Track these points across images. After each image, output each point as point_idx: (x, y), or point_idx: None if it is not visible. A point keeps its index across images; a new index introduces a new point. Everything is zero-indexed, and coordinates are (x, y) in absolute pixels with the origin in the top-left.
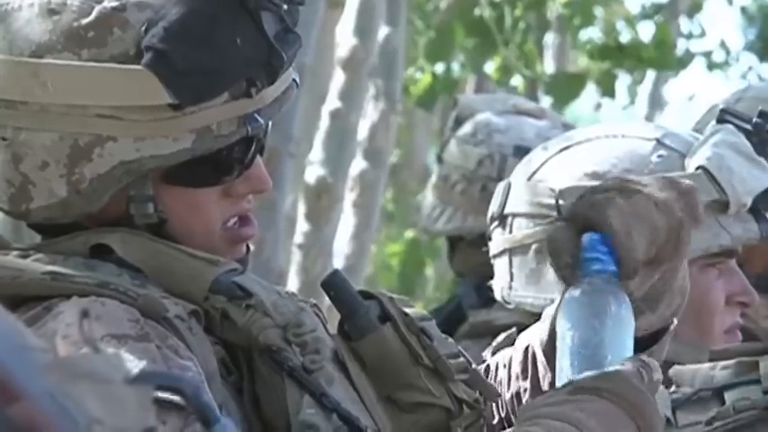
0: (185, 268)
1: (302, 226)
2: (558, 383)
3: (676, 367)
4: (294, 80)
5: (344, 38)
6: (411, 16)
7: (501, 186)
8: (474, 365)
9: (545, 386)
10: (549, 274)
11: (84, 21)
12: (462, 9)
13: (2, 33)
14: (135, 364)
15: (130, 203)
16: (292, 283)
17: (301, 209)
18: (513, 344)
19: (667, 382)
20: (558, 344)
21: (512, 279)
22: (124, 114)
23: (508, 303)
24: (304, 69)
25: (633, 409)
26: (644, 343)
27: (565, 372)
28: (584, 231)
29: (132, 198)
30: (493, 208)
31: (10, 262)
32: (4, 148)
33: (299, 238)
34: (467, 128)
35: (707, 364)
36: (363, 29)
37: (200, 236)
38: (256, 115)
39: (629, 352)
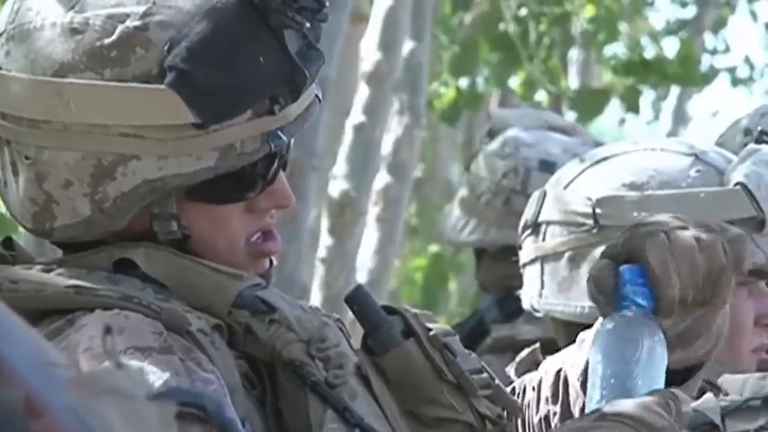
0: (209, 282)
1: (325, 240)
2: (589, 404)
3: (726, 376)
4: (317, 95)
5: (369, 52)
6: (435, 31)
7: (535, 195)
8: (497, 381)
9: (576, 411)
10: (581, 282)
11: (107, 40)
12: (487, 24)
13: (24, 53)
14: (158, 377)
15: (154, 221)
16: (315, 298)
17: (324, 223)
18: (536, 359)
19: (716, 391)
20: (590, 374)
21: (542, 287)
22: (147, 133)
23: (537, 311)
24: (328, 83)
25: None
26: (678, 375)
27: (594, 401)
28: (626, 264)
29: (156, 216)
30: (526, 216)
31: (33, 276)
32: (27, 167)
33: (322, 252)
34: (496, 141)
35: (757, 374)
36: (388, 43)
37: (224, 251)
38: (279, 132)
39: (660, 385)
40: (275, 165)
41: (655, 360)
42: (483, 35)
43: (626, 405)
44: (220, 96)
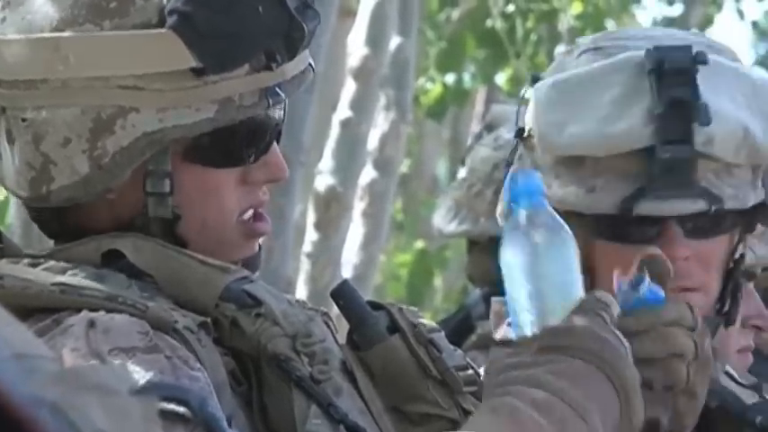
0: (196, 275)
1: (311, 235)
2: (516, 337)
3: None
4: (311, 64)
5: (356, 47)
6: (423, 26)
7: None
8: (483, 377)
9: None
10: None
11: None
12: (474, 20)
13: (21, 14)
14: (142, 375)
15: (147, 179)
16: (300, 293)
17: (310, 218)
18: None
19: None
20: (508, 302)
21: None
22: (147, 84)
23: None
24: (315, 78)
25: (606, 365)
26: None
27: (521, 326)
28: None
29: (150, 173)
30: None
31: (20, 271)
32: (24, 129)
33: (307, 247)
34: (492, 134)
35: None
36: (375, 38)
37: (215, 227)
38: (277, 89)
39: (579, 290)
40: (271, 132)
41: (566, 265)
42: (470, 31)
43: (565, 333)
44: (220, 41)
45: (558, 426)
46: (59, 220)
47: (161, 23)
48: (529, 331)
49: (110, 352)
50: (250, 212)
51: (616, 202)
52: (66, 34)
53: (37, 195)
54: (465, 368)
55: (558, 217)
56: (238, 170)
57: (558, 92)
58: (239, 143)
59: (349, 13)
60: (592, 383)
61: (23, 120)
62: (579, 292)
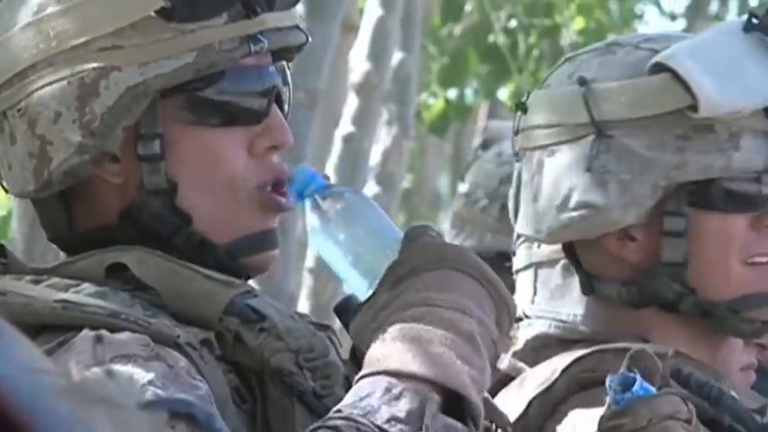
0: (200, 289)
1: (313, 250)
2: (363, 297)
3: None
4: (299, 27)
5: (358, 63)
6: (425, 42)
7: None
8: (485, 393)
9: None
10: (575, 290)
11: None
12: (476, 35)
13: (9, 14)
14: (143, 376)
15: (137, 143)
16: (303, 307)
17: None
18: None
19: None
20: (346, 284)
21: (535, 293)
22: (125, 42)
23: (528, 318)
24: (318, 94)
25: (456, 263)
26: None
27: (365, 292)
28: None
29: (141, 137)
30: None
31: (22, 287)
32: (20, 119)
33: (309, 262)
34: (493, 150)
35: None
36: (377, 54)
37: (223, 196)
38: (259, 36)
39: (395, 230)
40: (268, 96)
41: (367, 215)
42: (472, 46)
43: (405, 260)
44: None
45: (448, 327)
46: (68, 219)
47: None
48: (371, 289)
49: (112, 359)
50: (269, 187)
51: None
52: (45, 13)
53: (41, 183)
54: None
55: (337, 187)
56: (240, 136)
57: (701, 60)
58: (235, 109)
59: (351, 29)
60: (455, 284)
61: (19, 110)
62: (396, 232)
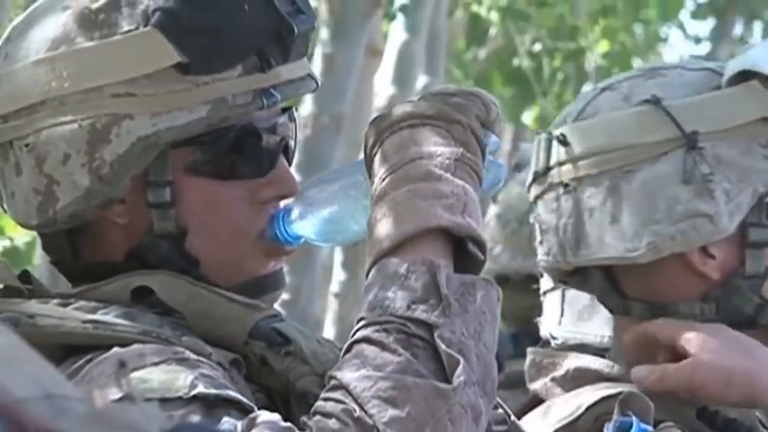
0: (225, 312)
1: (338, 274)
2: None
3: None
4: (312, 75)
5: (383, 86)
6: (450, 65)
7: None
8: (512, 417)
9: None
10: (602, 311)
11: (95, 5)
12: (501, 59)
13: (22, 44)
14: (187, 374)
15: (148, 190)
16: (328, 332)
17: (338, 257)
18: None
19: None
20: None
21: (562, 314)
22: (138, 90)
23: (555, 339)
24: (343, 117)
25: (405, 120)
26: None
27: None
28: None
29: (151, 184)
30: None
31: (51, 310)
32: (27, 155)
33: (335, 286)
34: (524, 172)
35: None
36: (402, 78)
37: (229, 243)
38: (272, 90)
39: (356, 176)
40: (274, 146)
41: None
42: (497, 70)
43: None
44: (205, 37)
45: (406, 182)
46: (73, 251)
47: (147, 25)
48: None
49: (143, 368)
50: None
51: None
52: (59, 51)
53: (45, 220)
54: (495, 407)
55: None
56: (246, 187)
57: None
58: (238, 152)
59: (376, 53)
60: (406, 141)
61: (27, 145)
62: (356, 171)
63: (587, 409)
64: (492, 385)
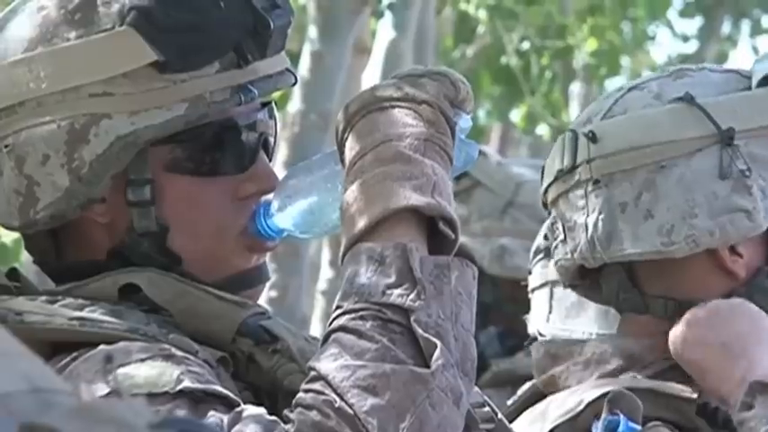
0: (213, 309)
1: (326, 272)
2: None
3: None
4: (290, 70)
5: (371, 84)
6: (437, 63)
7: (548, 222)
8: (499, 415)
9: None
10: (590, 308)
11: (71, 5)
12: (489, 57)
13: (2, 44)
14: (173, 370)
15: (128, 188)
16: (315, 330)
17: (325, 255)
18: (538, 393)
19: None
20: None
21: (550, 311)
22: (116, 89)
23: (543, 336)
24: (330, 115)
25: (373, 104)
26: None
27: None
28: None
29: (131, 182)
30: (538, 241)
31: (38, 307)
32: (7, 156)
33: (322, 284)
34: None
35: None
36: (389, 76)
37: (210, 240)
38: (249, 86)
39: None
40: (253, 141)
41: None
42: (485, 68)
43: (341, 135)
44: (181, 34)
45: (377, 165)
46: (56, 251)
47: (123, 25)
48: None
49: (129, 364)
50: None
51: None
52: (36, 52)
53: (26, 221)
54: (482, 405)
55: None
56: (226, 183)
57: None
58: (217, 149)
59: (363, 51)
60: (373, 125)
61: (6, 146)
62: (329, 163)
63: (588, 404)
64: (471, 365)
